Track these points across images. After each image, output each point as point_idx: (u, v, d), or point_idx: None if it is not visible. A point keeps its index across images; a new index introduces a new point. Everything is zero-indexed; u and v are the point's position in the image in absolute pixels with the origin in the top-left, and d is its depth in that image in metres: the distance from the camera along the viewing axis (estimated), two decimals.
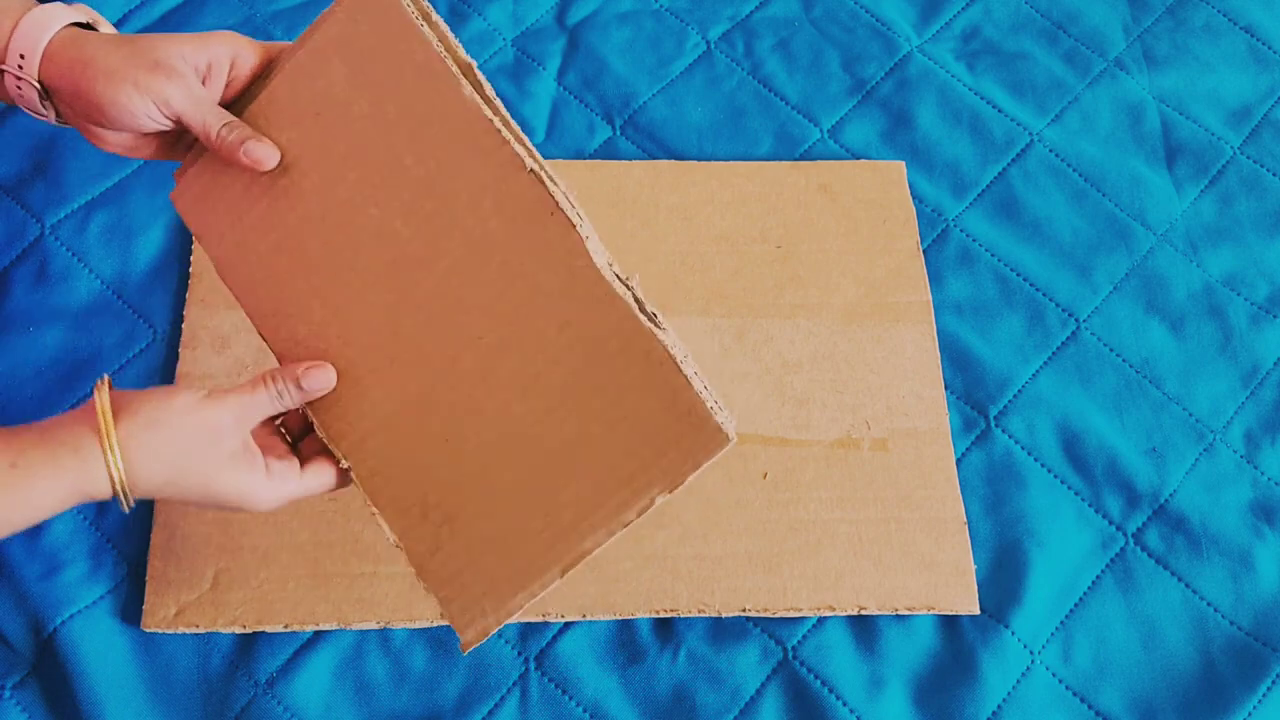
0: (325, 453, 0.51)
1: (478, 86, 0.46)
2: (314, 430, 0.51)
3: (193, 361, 0.63)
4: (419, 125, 0.47)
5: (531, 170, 0.45)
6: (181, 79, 0.49)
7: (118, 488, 0.44)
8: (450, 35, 0.47)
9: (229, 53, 0.51)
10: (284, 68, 0.49)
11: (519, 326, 0.46)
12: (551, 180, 0.45)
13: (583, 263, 0.44)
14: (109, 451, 0.44)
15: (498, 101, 0.46)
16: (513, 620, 0.48)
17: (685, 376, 0.43)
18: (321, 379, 0.49)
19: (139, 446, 0.45)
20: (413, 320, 0.48)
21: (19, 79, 0.50)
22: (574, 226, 0.44)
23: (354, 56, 0.48)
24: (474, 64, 0.47)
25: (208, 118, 0.50)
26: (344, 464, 0.50)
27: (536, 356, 0.46)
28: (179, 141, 0.53)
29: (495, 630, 0.48)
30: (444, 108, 0.46)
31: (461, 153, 0.46)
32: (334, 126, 0.48)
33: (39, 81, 0.50)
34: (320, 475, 0.50)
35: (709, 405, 0.43)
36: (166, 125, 0.50)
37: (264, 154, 0.50)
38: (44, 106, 0.51)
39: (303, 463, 0.50)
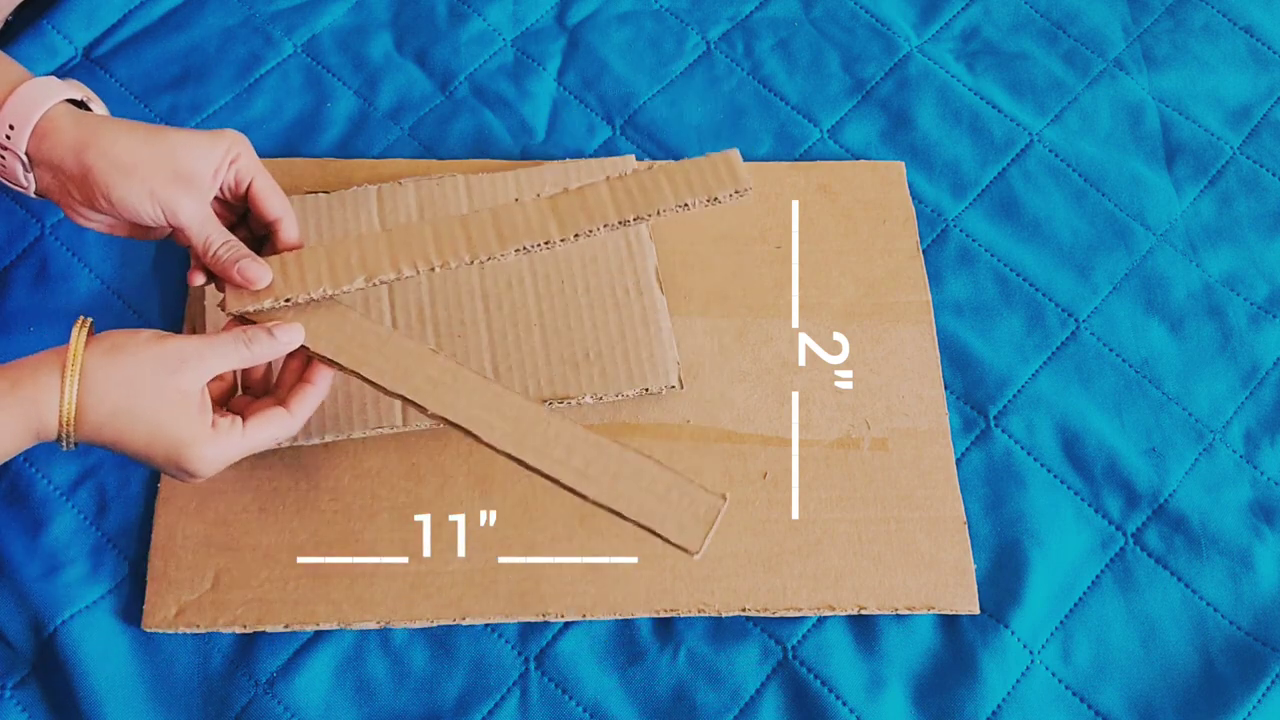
0: (264, 405, 0.51)
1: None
2: (257, 392, 0.54)
3: None
4: None
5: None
6: (199, 194, 0.51)
7: (64, 411, 0.45)
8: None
9: (231, 151, 0.52)
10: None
11: None
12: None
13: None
14: (69, 373, 0.45)
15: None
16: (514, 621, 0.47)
17: None
18: (294, 332, 0.51)
19: (97, 368, 0.46)
20: None
21: (4, 149, 0.50)
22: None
23: None
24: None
25: (210, 234, 0.52)
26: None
27: None
28: (157, 228, 0.53)
29: None
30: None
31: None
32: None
33: (25, 155, 0.50)
34: (266, 426, 0.50)
35: None
36: (164, 227, 0.52)
37: (256, 273, 0.52)
38: (25, 179, 0.51)
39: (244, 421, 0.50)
